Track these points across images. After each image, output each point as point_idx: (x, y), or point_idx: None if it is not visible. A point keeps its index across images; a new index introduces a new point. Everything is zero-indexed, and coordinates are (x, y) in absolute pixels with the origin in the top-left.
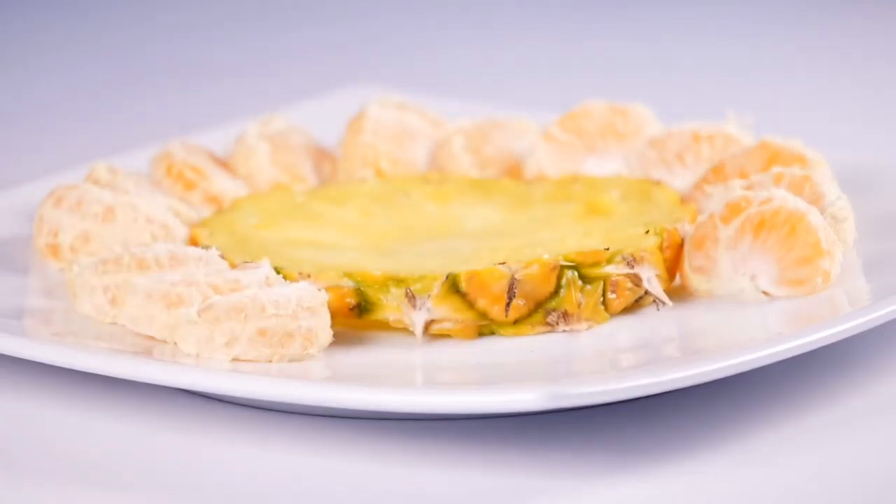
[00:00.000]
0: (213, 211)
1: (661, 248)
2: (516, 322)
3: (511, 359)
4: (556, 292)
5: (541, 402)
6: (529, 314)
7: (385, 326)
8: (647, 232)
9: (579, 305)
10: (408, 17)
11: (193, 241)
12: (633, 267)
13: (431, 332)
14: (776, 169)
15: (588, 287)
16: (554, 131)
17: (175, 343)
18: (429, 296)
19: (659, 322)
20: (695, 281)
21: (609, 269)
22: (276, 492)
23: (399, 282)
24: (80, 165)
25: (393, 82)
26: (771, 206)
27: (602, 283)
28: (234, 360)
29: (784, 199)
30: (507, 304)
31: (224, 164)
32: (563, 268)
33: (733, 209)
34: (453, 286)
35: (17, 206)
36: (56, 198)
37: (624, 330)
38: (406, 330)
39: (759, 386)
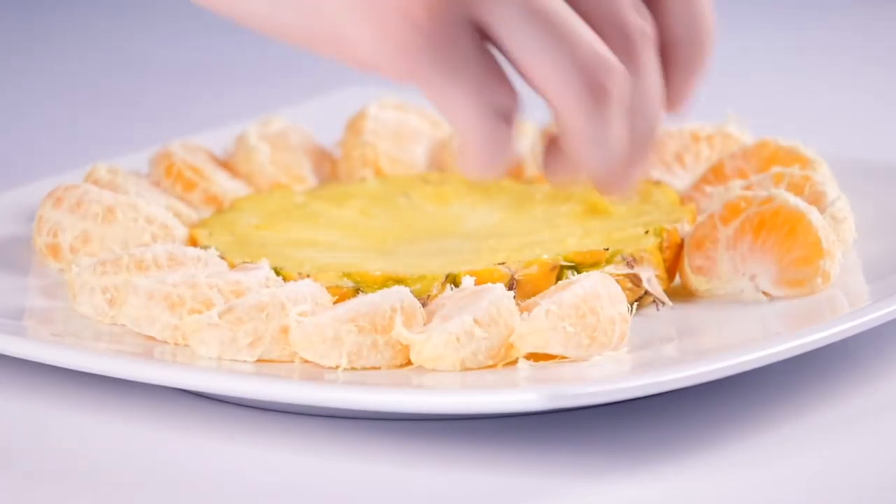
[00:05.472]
0: (213, 211)
1: (660, 249)
2: None
3: None
4: None
5: (541, 402)
6: None
7: None
8: (647, 232)
9: None
10: None
11: (193, 242)
12: (632, 267)
13: None
14: (776, 169)
15: None
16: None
17: (189, 345)
18: (428, 296)
19: (659, 322)
20: (695, 281)
21: (609, 270)
22: (276, 492)
23: (398, 282)
24: (80, 165)
25: (393, 82)
26: (770, 206)
27: None
28: (258, 361)
29: (784, 199)
30: None
31: (224, 164)
32: (562, 268)
33: (733, 209)
34: (453, 286)
35: (17, 206)
36: (56, 198)
37: None
38: None
39: (759, 386)
